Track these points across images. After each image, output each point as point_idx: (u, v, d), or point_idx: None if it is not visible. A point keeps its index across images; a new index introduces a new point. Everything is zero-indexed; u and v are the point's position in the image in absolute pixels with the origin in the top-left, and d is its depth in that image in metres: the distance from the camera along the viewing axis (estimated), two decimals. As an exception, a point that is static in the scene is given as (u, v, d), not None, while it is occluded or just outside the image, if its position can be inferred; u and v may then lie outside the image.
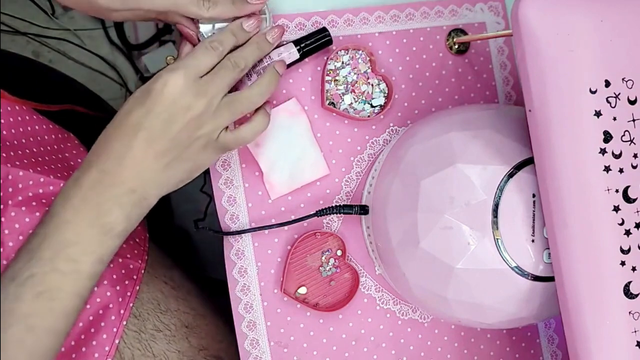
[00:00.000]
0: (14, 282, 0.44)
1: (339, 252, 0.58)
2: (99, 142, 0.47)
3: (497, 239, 0.44)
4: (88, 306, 0.51)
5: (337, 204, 0.57)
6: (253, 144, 0.56)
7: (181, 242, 0.99)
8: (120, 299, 0.52)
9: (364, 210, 0.55)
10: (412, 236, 0.47)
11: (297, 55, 0.55)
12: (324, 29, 0.56)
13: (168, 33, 1.04)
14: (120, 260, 0.54)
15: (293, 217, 0.57)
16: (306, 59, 0.58)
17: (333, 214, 0.56)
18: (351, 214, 0.56)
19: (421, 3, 0.61)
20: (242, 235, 0.56)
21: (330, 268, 0.57)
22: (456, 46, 0.62)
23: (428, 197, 0.47)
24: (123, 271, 0.53)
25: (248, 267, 0.56)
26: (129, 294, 0.53)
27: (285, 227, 0.57)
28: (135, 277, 0.54)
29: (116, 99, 1.05)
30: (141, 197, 0.47)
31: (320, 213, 0.55)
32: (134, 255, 0.55)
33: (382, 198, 0.52)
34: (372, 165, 0.59)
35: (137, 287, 0.54)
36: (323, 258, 0.57)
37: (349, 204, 0.58)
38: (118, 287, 0.52)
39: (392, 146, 0.55)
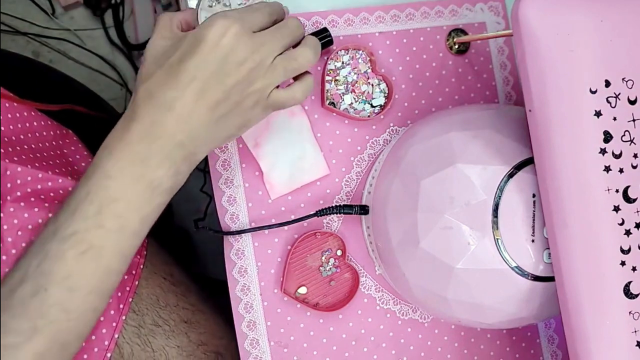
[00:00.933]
0: (56, 238, 0.42)
1: (339, 252, 0.58)
2: (141, 91, 0.44)
3: (497, 239, 0.44)
4: None
5: (337, 204, 0.57)
6: (253, 144, 0.56)
7: (181, 241, 0.99)
8: (119, 294, 0.52)
9: (364, 210, 0.55)
10: (412, 236, 0.47)
11: None
12: (325, 29, 0.56)
13: (168, 33, 1.04)
14: None
15: (293, 217, 0.57)
16: (306, 59, 0.58)
17: (333, 214, 0.56)
18: (351, 214, 0.56)
19: (421, 3, 0.61)
20: (242, 235, 0.56)
21: (330, 268, 0.57)
22: (456, 46, 0.62)
23: (428, 197, 0.47)
24: None
25: (248, 267, 0.56)
26: (128, 288, 0.53)
27: (285, 227, 0.57)
28: (134, 272, 0.54)
29: (116, 99, 1.05)
30: (191, 152, 0.45)
31: (320, 213, 0.55)
32: None
33: (382, 198, 0.52)
34: (372, 165, 0.59)
35: (137, 282, 0.54)
36: (323, 258, 0.57)
37: (349, 204, 0.58)
38: None
39: (392, 146, 0.55)
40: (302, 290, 0.57)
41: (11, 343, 0.41)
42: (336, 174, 0.59)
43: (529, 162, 0.45)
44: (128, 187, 0.43)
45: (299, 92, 0.48)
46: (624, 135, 0.42)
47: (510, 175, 0.45)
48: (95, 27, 1.06)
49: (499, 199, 0.45)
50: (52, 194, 0.52)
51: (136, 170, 0.43)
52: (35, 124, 0.55)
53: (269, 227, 0.55)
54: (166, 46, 0.46)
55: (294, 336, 0.57)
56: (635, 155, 0.43)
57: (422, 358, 0.59)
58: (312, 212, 0.56)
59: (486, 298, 0.46)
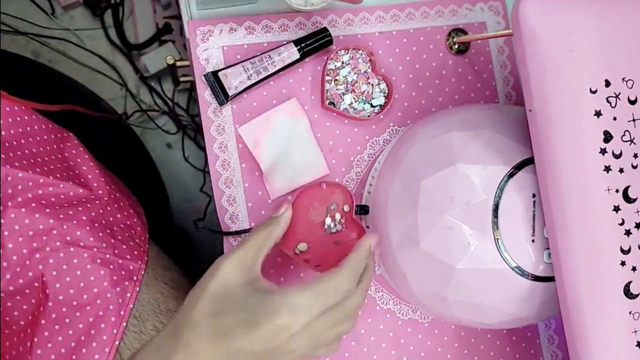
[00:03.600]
0: None
1: (346, 208, 0.52)
2: (191, 323, 0.42)
3: (497, 239, 0.44)
4: (88, 307, 0.51)
5: (337, 204, 0.57)
6: (253, 144, 0.56)
7: (181, 242, 0.99)
8: (120, 300, 0.52)
9: (364, 210, 0.55)
10: (412, 236, 0.47)
11: (297, 55, 0.55)
12: (325, 29, 0.56)
13: (168, 33, 1.04)
14: (120, 261, 0.53)
15: (293, 217, 0.57)
16: (306, 59, 0.58)
17: (333, 214, 0.56)
18: (351, 214, 0.56)
19: (421, 3, 0.61)
20: (242, 235, 0.56)
21: (335, 225, 0.51)
22: (456, 46, 0.62)
23: (428, 197, 0.47)
24: (123, 272, 0.53)
25: (248, 267, 0.56)
26: (129, 295, 0.53)
27: (285, 227, 0.57)
28: (135, 278, 0.54)
29: (116, 99, 1.05)
30: None
31: (320, 213, 0.55)
32: (134, 257, 0.55)
33: (382, 198, 0.52)
34: (372, 165, 0.59)
35: (137, 289, 0.54)
36: (328, 214, 0.51)
37: (349, 204, 0.58)
38: (118, 289, 0.52)
39: (392, 146, 0.55)
40: (302, 246, 0.51)
41: None
42: (336, 174, 0.59)
43: (529, 162, 0.45)
44: None
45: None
46: (624, 135, 0.42)
47: (510, 175, 0.45)
48: (95, 27, 1.06)
49: (499, 199, 0.44)
50: (53, 199, 0.52)
51: None
52: (36, 127, 0.55)
53: (269, 227, 0.55)
54: (237, 286, 0.43)
55: (294, 336, 0.57)
56: (635, 155, 0.43)
57: (422, 358, 0.59)
58: (312, 212, 0.56)
59: (486, 298, 0.46)
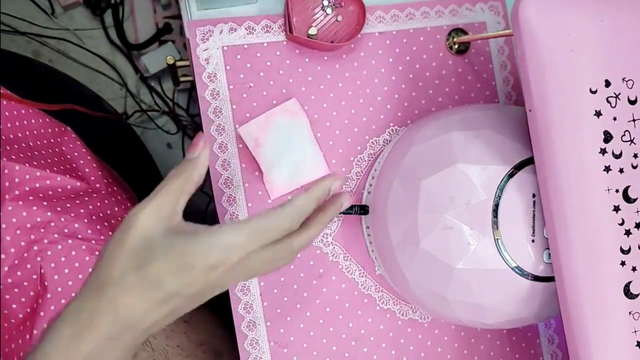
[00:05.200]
0: None
1: None
2: (105, 276, 0.39)
3: (497, 239, 0.44)
4: None
5: (337, 204, 0.57)
6: (253, 144, 0.56)
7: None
8: None
9: (364, 210, 0.55)
10: (412, 236, 0.47)
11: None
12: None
13: (168, 33, 1.04)
14: None
15: (293, 217, 0.57)
16: (306, 59, 0.58)
17: (333, 214, 0.56)
18: (351, 214, 0.56)
19: (421, 3, 0.61)
20: (242, 235, 0.56)
21: (333, 3, 0.58)
22: (456, 46, 0.62)
23: (428, 197, 0.47)
24: None
25: (248, 267, 0.56)
26: None
27: (285, 227, 0.57)
28: None
29: (116, 99, 1.05)
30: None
31: (320, 213, 0.55)
32: None
33: (382, 198, 0.52)
34: (372, 165, 0.59)
35: None
36: None
37: (349, 204, 0.58)
38: None
39: (392, 146, 0.55)
40: (312, 31, 0.57)
41: None
42: (336, 174, 0.59)
43: (529, 162, 0.45)
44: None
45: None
46: (624, 135, 0.42)
47: (510, 175, 0.45)
48: (95, 27, 1.06)
49: (499, 199, 0.44)
50: (50, 192, 0.52)
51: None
52: (33, 121, 0.55)
53: (269, 227, 0.55)
54: (158, 236, 0.40)
55: (294, 336, 0.57)
56: (635, 155, 0.43)
57: (422, 358, 0.59)
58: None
59: (486, 298, 0.46)
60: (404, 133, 0.55)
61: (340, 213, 0.55)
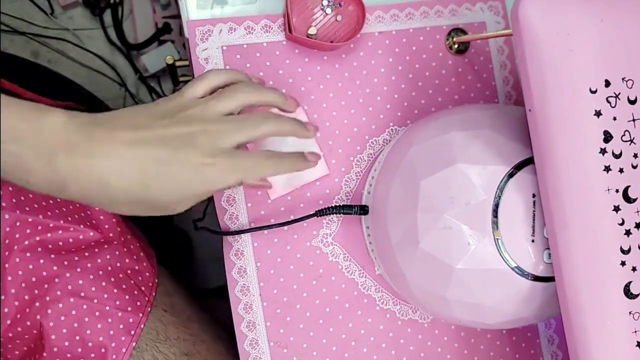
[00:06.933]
0: None
1: None
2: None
3: (497, 239, 0.44)
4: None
5: (337, 204, 0.57)
6: (253, 144, 0.56)
7: (180, 242, 0.99)
8: (114, 356, 0.51)
9: (363, 210, 0.55)
10: (412, 236, 0.47)
11: None
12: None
13: (167, 33, 1.04)
14: (120, 314, 0.52)
15: (292, 217, 0.56)
16: (306, 59, 0.58)
17: (333, 214, 0.56)
18: (351, 214, 0.56)
19: (421, 2, 0.61)
20: (242, 235, 0.56)
21: (332, 2, 0.58)
22: (456, 46, 0.62)
23: (428, 197, 0.47)
24: (121, 326, 0.52)
25: (247, 268, 0.56)
26: (124, 350, 0.51)
27: (285, 227, 0.57)
28: (132, 332, 0.52)
29: (115, 99, 1.05)
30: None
31: (320, 213, 0.55)
32: (136, 308, 0.53)
33: (382, 198, 0.52)
34: (372, 165, 0.59)
35: (134, 344, 0.52)
36: None
37: (348, 204, 0.58)
38: (113, 344, 0.51)
39: (392, 146, 0.55)
40: (312, 31, 0.57)
41: None
42: (336, 174, 0.59)
43: (529, 162, 0.45)
44: None
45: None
46: (624, 135, 0.42)
47: (510, 175, 0.45)
48: (94, 26, 1.06)
49: (499, 199, 0.44)
50: (60, 243, 0.51)
51: None
52: None
53: (269, 227, 0.55)
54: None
55: (294, 337, 0.57)
56: (635, 155, 0.43)
57: (422, 358, 0.59)
58: (311, 212, 0.56)
59: (486, 298, 0.46)
60: (404, 133, 0.55)
61: (340, 213, 0.56)
